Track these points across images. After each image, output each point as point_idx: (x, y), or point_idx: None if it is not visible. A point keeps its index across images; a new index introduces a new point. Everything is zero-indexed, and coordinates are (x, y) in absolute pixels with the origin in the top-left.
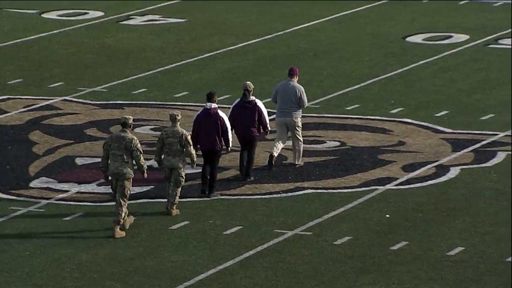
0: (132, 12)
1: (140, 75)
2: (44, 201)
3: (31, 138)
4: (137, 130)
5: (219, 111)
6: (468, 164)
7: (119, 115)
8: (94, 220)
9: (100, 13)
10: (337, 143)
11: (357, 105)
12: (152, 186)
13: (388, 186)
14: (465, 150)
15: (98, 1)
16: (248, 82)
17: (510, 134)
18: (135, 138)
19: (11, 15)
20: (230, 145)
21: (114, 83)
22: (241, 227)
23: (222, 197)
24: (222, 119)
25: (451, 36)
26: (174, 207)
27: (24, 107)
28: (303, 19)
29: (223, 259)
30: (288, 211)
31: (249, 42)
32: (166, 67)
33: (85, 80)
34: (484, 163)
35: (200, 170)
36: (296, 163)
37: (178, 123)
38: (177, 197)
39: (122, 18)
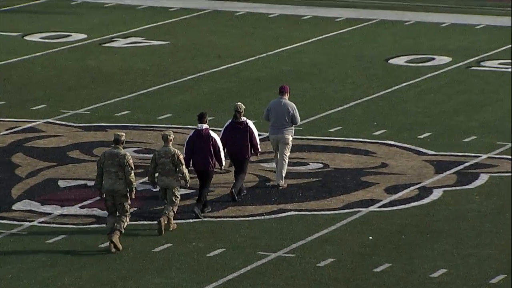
0: (115, 34)
1: (123, 97)
2: (27, 224)
3: (14, 161)
4: None
5: (210, 131)
6: (451, 186)
7: (102, 137)
8: (77, 243)
9: (83, 35)
10: (320, 165)
11: (340, 127)
12: (135, 208)
13: (371, 208)
14: (448, 172)
15: (81, 24)
16: (238, 103)
17: (510, 152)
18: (128, 154)
19: None
20: (223, 164)
21: (97, 105)
22: (224, 249)
23: (206, 219)
24: (214, 139)
25: (433, 58)
26: (172, 222)
27: (6, 130)
28: (286, 41)
29: (206, 281)
30: (271, 233)
31: (233, 64)
32: (149, 89)
33: (68, 102)
34: (467, 185)
35: (191, 191)
36: (280, 184)
37: (170, 142)
38: (172, 213)
39: (105, 41)
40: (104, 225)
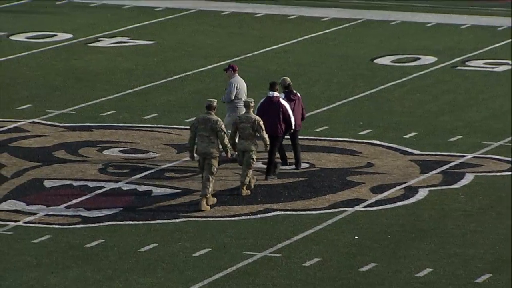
0: (101, 34)
1: (109, 97)
2: (12, 224)
3: None
4: (105, 152)
5: (280, 99)
6: (436, 185)
7: (88, 137)
8: (63, 243)
9: (69, 35)
10: (306, 165)
11: (326, 127)
12: (121, 209)
13: (357, 208)
14: (434, 172)
15: (67, 23)
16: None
17: (510, 147)
18: (220, 119)
19: None
20: (293, 128)
21: (83, 105)
22: (210, 249)
23: (191, 219)
24: (284, 106)
25: (419, 58)
26: (245, 188)
27: None
28: (272, 41)
29: (192, 281)
30: (257, 233)
31: (219, 64)
32: (135, 89)
33: (54, 102)
34: (452, 184)
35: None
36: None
37: (251, 109)
38: (248, 178)
39: (91, 40)
40: (91, 224)
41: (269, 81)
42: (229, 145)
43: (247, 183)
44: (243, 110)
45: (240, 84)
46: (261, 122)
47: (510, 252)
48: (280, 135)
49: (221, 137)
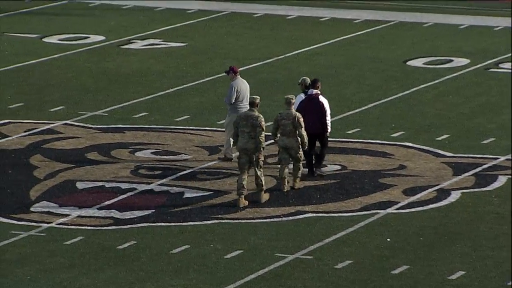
0: (133, 36)
1: (141, 99)
2: (45, 225)
3: (32, 162)
4: (137, 154)
5: (320, 96)
6: (469, 188)
7: (120, 139)
8: (95, 244)
9: (101, 37)
10: (338, 167)
11: (358, 129)
12: (153, 210)
13: (389, 210)
14: (466, 174)
15: (99, 25)
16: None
17: (510, 158)
18: (261, 116)
19: (12, 40)
20: (329, 130)
21: (115, 107)
22: (241, 251)
23: (223, 221)
24: (323, 103)
25: (451, 60)
26: (297, 180)
27: (25, 131)
28: (304, 43)
29: (223, 283)
30: (289, 235)
31: (250, 66)
32: (167, 91)
33: (86, 104)
34: (485, 187)
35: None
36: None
37: (292, 106)
38: (300, 171)
39: (123, 42)
40: (123, 226)
41: (293, 90)
42: (263, 144)
43: (299, 176)
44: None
45: (241, 86)
46: (301, 119)
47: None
48: (319, 132)
49: (258, 132)
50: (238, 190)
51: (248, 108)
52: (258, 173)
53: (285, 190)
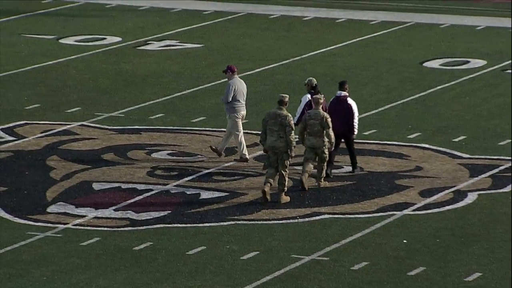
0: (150, 37)
1: (157, 100)
2: (61, 226)
3: (49, 163)
4: (154, 155)
5: (348, 98)
6: (485, 189)
7: (136, 140)
8: (111, 245)
9: (118, 39)
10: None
11: (374, 130)
12: (169, 211)
13: (406, 212)
14: (483, 176)
15: (116, 27)
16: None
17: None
18: (289, 115)
19: (29, 41)
20: (355, 132)
21: (131, 108)
22: (258, 252)
23: (239, 222)
24: (350, 105)
25: (468, 62)
26: (322, 180)
27: (41, 132)
28: (320, 44)
29: (240, 284)
30: (305, 236)
31: (266, 67)
32: (183, 92)
33: (102, 105)
34: (502, 188)
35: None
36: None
37: (320, 106)
38: (324, 171)
39: (140, 44)
40: (139, 227)
41: (318, 84)
42: (294, 142)
43: (323, 176)
44: (242, 111)
45: (238, 85)
46: (329, 119)
47: None
48: (343, 134)
49: (288, 132)
50: (264, 183)
51: (277, 107)
52: (283, 173)
53: (306, 186)
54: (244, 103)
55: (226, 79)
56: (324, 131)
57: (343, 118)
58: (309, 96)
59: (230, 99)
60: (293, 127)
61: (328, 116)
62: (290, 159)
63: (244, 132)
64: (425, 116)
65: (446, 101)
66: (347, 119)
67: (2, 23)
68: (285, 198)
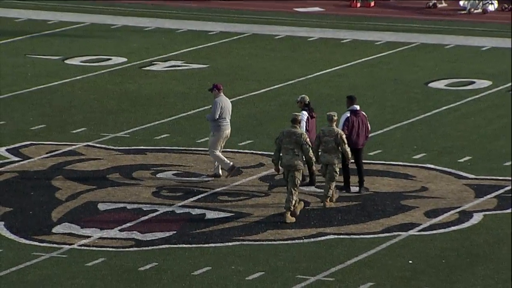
0: (155, 58)
1: (163, 120)
2: (67, 247)
3: (54, 184)
4: (159, 175)
5: (362, 111)
6: (491, 210)
7: (142, 160)
8: (117, 266)
9: (123, 59)
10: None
11: (380, 151)
12: (174, 232)
13: (411, 232)
14: (488, 196)
15: (121, 47)
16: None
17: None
18: (304, 133)
19: (35, 61)
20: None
21: (137, 128)
22: (263, 272)
23: (244, 242)
24: (366, 118)
25: (473, 82)
26: (328, 200)
27: (47, 153)
28: (325, 64)
29: None
30: (310, 256)
31: (272, 88)
32: (188, 113)
33: (108, 125)
34: (507, 209)
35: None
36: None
37: (334, 123)
38: (331, 190)
39: (145, 64)
40: (144, 247)
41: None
42: (313, 159)
43: (330, 196)
44: (227, 130)
45: (224, 103)
46: (344, 136)
47: None
48: (362, 147)
49: (306, 150)
50: (286, 204)
51: (291, 125)
52: (292, 191)
53: (328, 204)
54: (229, 121)
55: (232, 100)
56: (340, 148)
57: (363, 130)
58: (305, 113)
59: (217, 116)
60: (310, 144)
61: (342, 132)
62: (299, 180)
63: (249, 152)
64: (431, 137)
65: (451, 122)
66: (366, 131)
67: (8, 43)
68: (291, 218)
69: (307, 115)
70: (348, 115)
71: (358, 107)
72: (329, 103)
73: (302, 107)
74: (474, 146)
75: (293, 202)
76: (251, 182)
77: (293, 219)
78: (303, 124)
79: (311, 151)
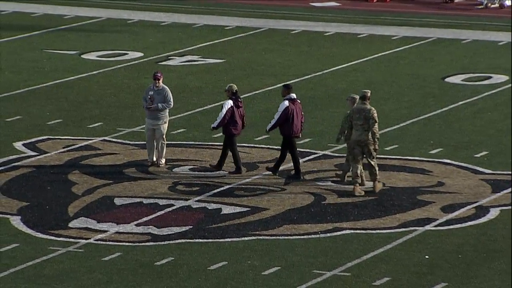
0: (171, 52)
1: (179, 115)
2: (83, 241)
3: (71, 178)
4: (175, 170)
5: (298, 100)
6: (508, 205)
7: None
8: (133, 261)
9: (140, 54)
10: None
11: (396, 146)
12: (191, 227)
13: (427, 227)
14: (505, 191)
15: (137, 42)
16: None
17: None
18: (373, 108)
19: (51, 56)
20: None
21: None
22: (279, 267)
23: (260, 237)
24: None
25: (490, 77)
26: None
27: (63, 148)
28: (342, 59)
29: None
30: (326, 251)
31: (288, 83)
32: (205, 107)
33: (124, 120)
34: None
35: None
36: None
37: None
38: (376, 168)
39: (161, 59)
40: (161, 242)
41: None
42: (378, 134)
43: (375, 172)
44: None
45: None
46: (375, 114)
47: None
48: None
49: (372, 124)
50: (353, 179)
51: (361, 102)
52: (372, 163)
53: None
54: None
55: (248, 94)
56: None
57: (299, 119)
58: (230, 102)
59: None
60: (377, 120)
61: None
62: (374, 152)
63: (266, 147)
64: (447, 132)
65: (468, 117)
66: (301, 120)
67: (24, 38)
68: (379, 186)
69: (232, 104)
70: (287, 104)
71: (294, 95)
72: (345, 98)
73: (229, 95)
74: (490, 141)
75: (376, 172)
76: (268, 177)
77: (381, 186)
78: (224, 111)
79: (376, 126)
